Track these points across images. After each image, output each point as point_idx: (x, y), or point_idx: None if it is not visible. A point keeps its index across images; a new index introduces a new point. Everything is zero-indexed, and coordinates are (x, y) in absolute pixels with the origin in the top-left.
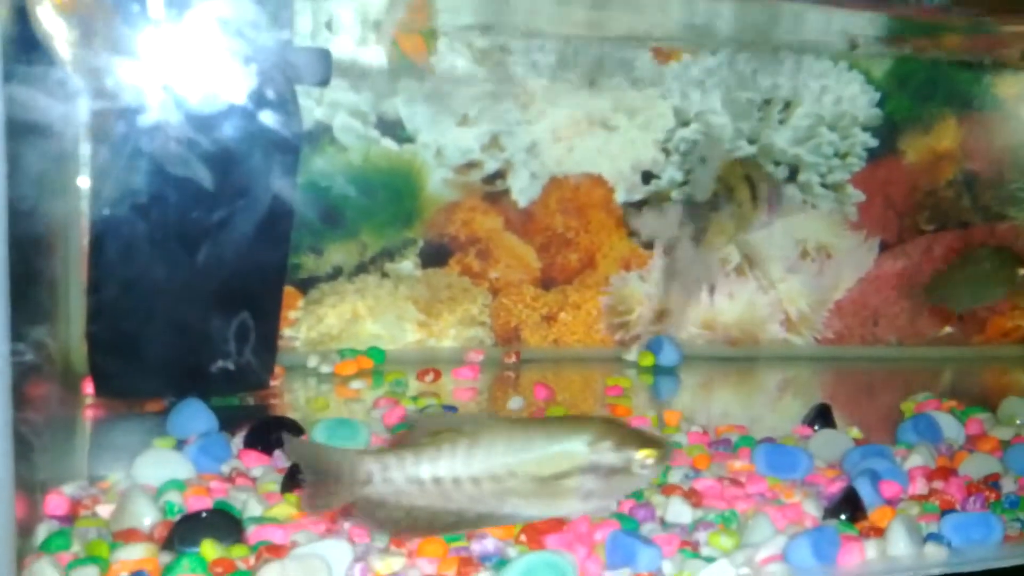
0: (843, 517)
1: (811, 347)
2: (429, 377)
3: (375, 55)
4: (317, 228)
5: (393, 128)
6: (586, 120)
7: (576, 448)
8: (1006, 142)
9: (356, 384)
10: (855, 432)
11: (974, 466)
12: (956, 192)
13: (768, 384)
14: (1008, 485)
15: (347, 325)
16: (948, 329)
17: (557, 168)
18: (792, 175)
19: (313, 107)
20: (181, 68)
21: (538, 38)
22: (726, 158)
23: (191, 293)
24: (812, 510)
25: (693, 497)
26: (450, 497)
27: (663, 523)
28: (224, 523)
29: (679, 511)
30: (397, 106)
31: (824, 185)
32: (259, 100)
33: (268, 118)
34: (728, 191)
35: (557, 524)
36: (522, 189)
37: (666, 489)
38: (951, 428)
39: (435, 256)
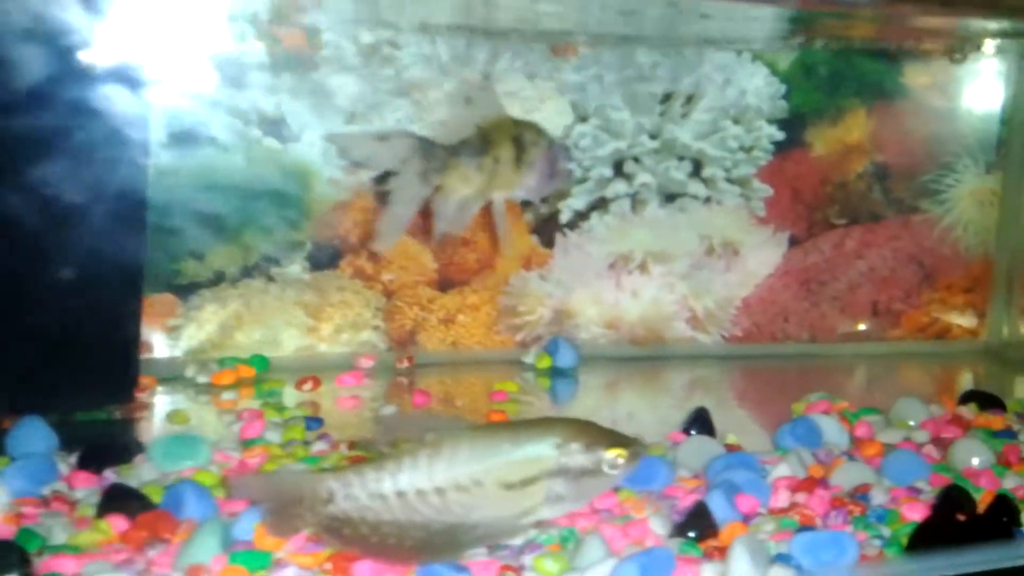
0: (691, 535)
1: (719, 345)
2: (308, 385)
3: (255, 51)
4: (197, 232)
5: (276, 127)
6: None
7: (543, 452)
8: (917, 133)
9: (230, 395)
10: (731, 438)
11: (847, 475)
12: (867, 185)
13: (670, 384)
14: (879, 496)
15: (230, 332)
16: (862, 326)
17: None
18: (696, 170)
19: (190, 106)
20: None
21: (429, 32)
22: (499, 113)
23: (39, 302)
24: (659, 528)
25: None
26: (416, 510)
27: (494, 545)
28: (5, 555)
29: None
30: (280, 104)
31: (729, 180)
32: (100, 96)
33: (110, 116)
34: (486, 143)
35: None
36: None
37: None
38: (833, 432)
39: (324, 259)
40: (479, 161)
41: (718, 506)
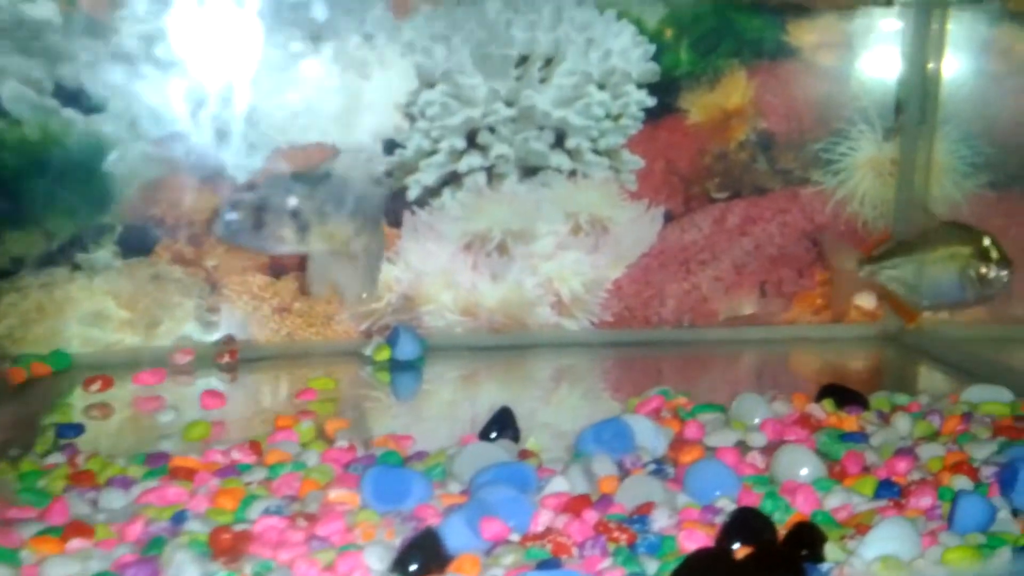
0: (412, 569)
1: (587, 332)
2: (95, 386)
3: (47, 12)
4: None
5: (76, 97)
6: (312, 82)
7: None
8: (805, 96)
9: None
10: (532, 443)
11: (638, 490)
12: (750, 155)
13: (532, 376)
14: (662, 519)
15: (31, 326)
16: (748, 309)
17: (281, 138)
18: (559, 140)
19: None
20: None
21: None
22: None
23: None
24: (377, 560)
25: (240, 542)
26: None
27: None
28: None
29: (181, 566)
30: (78, 71)
31: (596, 151)
32: None
33: None
34: None
35: None
36: (239, 163)
37: (215, 534)
38: (648, 435)
39: (137, 243)
40: None
41: (456, 532)
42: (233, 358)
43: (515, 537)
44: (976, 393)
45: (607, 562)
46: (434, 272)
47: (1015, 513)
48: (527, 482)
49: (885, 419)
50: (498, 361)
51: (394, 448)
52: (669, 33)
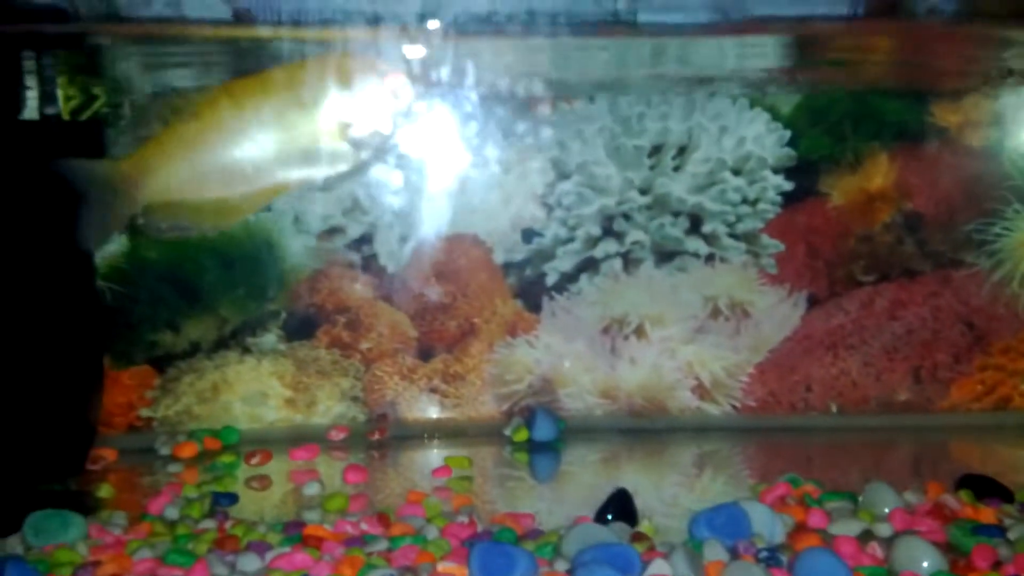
0: None
1: (730, 417)
2: (256, 459)
3: None
4: (173, 303)
5: None
6: (456, 178)
7: None
8: (953, 177)
9: (176, 467)
10: (646, 526)
11: None
12: (896, 236)
13: (673, 460)
14: None
15: (206, 404)
16: (902, 396)
17: (427, 229)
18: (694, 226)
19: None
20: None
21: None
22: None
23: None
24: None
25: None
26: None
27: None
28: None
29: None
30: None
31: (733, 235)
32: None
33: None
34: None
35: None
36: (391, 253)
37: None
38: (765, 521)
39: (301, 328)
40: None
41: None
42: (383, 435)
43: None
44: None
45: None
46: (573, 355)
47: None
48: (629, 564)
49: None
50: (638, 444)
51: (511, 526)
52: (804, 119)
